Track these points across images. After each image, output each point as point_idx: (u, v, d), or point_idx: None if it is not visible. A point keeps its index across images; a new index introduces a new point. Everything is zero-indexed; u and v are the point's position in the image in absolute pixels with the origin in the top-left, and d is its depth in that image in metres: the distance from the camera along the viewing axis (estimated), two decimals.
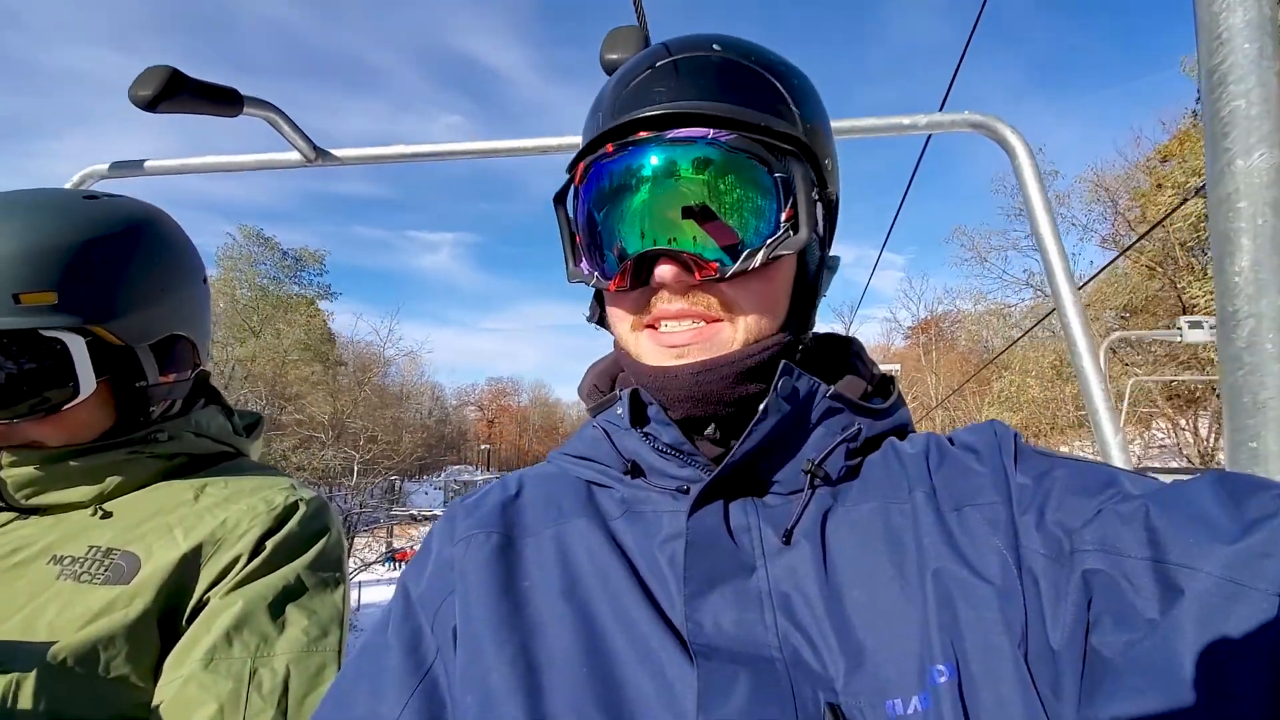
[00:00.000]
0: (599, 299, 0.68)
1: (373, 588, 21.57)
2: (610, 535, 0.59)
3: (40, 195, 0.85)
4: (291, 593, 0.81)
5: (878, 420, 0.62)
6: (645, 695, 0.49)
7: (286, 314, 27.14)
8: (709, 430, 0.60)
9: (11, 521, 0.81)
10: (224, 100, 1.18)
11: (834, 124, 1.22)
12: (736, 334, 0.58)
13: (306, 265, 29.42)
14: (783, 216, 0.57)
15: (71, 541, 0.79)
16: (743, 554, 0.54)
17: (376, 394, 29.84)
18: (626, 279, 0.58)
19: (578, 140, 0.71)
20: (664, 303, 0.58)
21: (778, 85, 0.60)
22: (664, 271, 0.56)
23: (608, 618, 0.53)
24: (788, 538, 0.54)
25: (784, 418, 0.57)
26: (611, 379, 0.72)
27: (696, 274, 0.56)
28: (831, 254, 0.68)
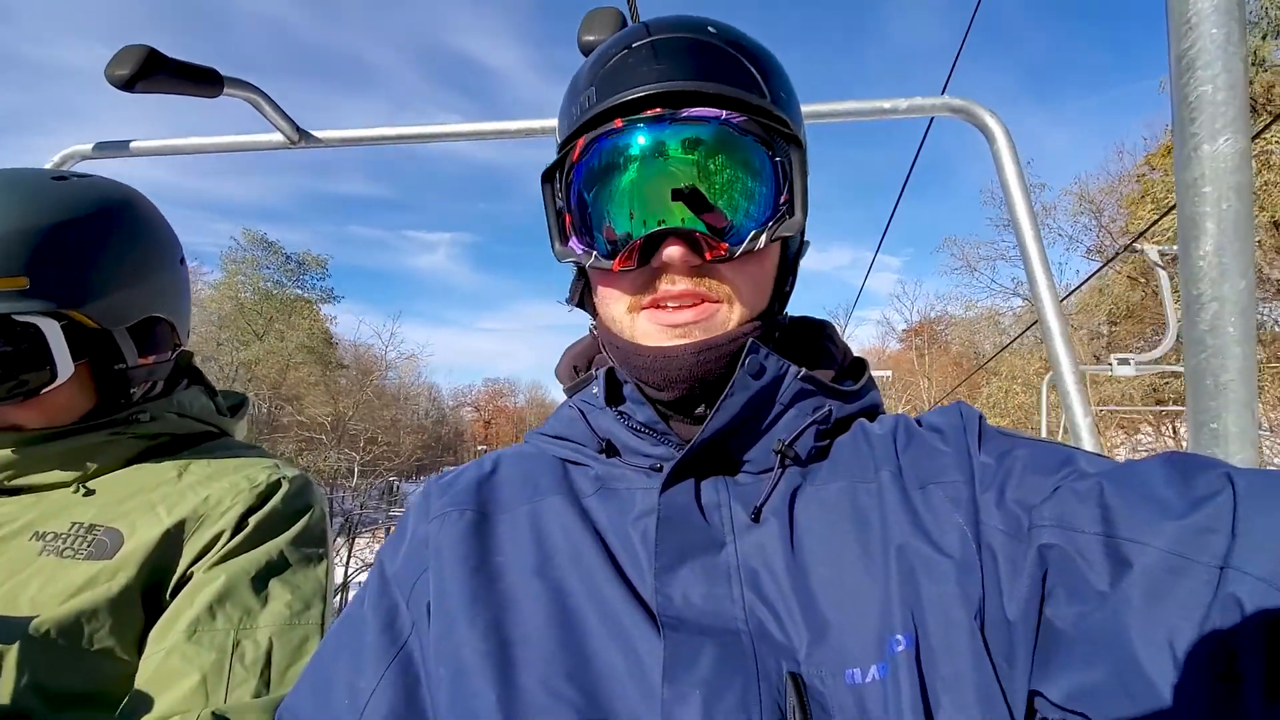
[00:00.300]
0: (581, 279, 0.67)
1: None
2: (584, 512, 0.60)
3: (8, 176, 0.84)
4: (274, 568, 0.82)
5: (848, 403, 0.63)
6: (615, 668, 0.50)
7: (290, 317, 27.37)
8: (699, 409, 0.60)
9: None
10: (204, 80, 1.17)
11: (815, 108, 1.24)
12: (732, 315, 0.59)
13: (309, 269, 29.70)
14: (780, 199, 0.59)
15: (54, 518, 0.80)
16: (713, 530, 0.55)
17: (377, 395, 29.99)
18: (634, 259, 0.57)
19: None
20: (668, 284, 0.57)
21: (771, 71, 0.61)
22: (673, 252, 0.55)
23: (579, 593, 0.54)
24: (757, 515, 0.55)
25: (753, 396, 0.57)
26: (588, 360, 0.72)
27: (707, 254, 0.56)
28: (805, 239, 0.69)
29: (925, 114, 1.15)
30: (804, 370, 0.60)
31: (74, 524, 0.79)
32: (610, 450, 0.63)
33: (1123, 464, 0.51)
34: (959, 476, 0.55)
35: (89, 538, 0.78)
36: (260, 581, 0.80)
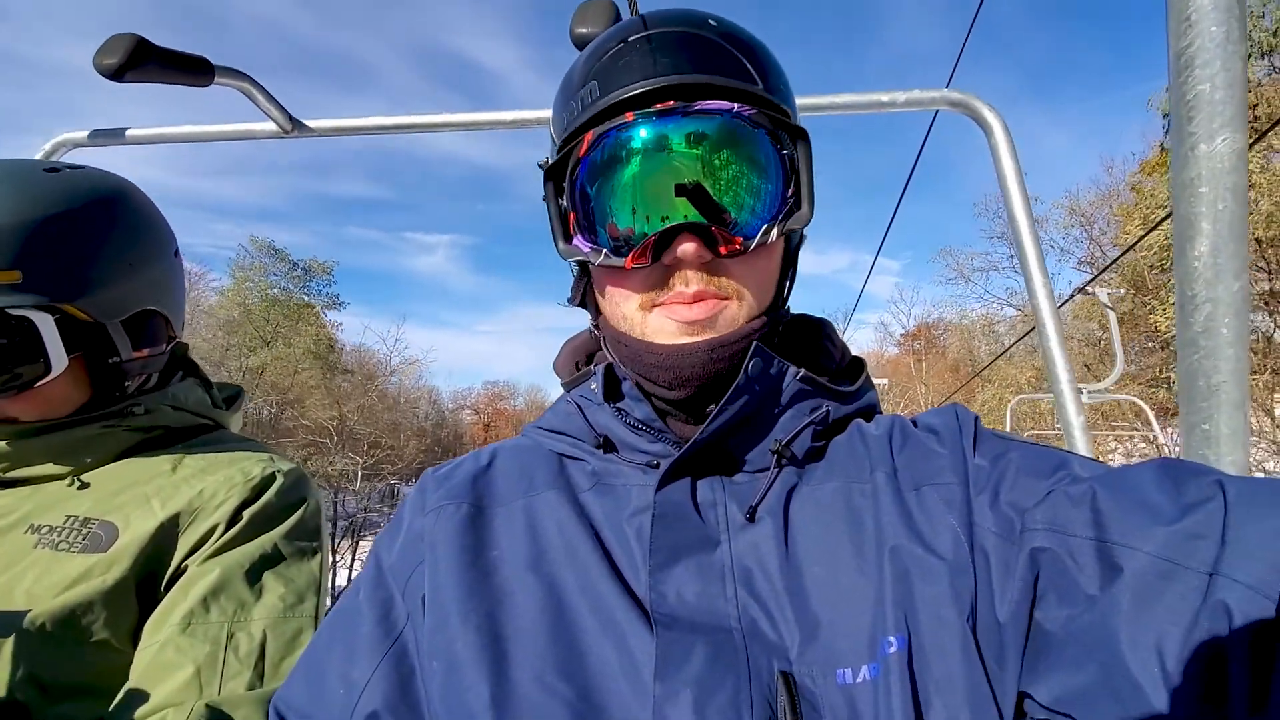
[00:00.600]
0: (584, 278, 0.66)
1: None
2: (579, 507, 0.60)
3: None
4: (269, 560, 0.82)
5: (845, 403, 0.63)
6: (607, 664, 0.51)
7: (297, 324, 27.78)
8: (710, 408, 0.60)
9: None
10: (194, 69, 1.15)
11: (813, 100, 1.22)
12: (740, 312, 0.58)
13: (315, 275, 30.24)
14: (789, 191, 0.58)
15: (49, 511, 0.80)
16: (708, 528, 0.55)
17: (379, 399, 30.33)
18: (647, 255, 0.56)
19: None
20: (681, 282, 0.57)
21: (769, 64, 0.61)
22: (688, 248, 0.55)
23: (573, 588, 0.55)
24: (752, 515, 0.55)
25: (752, 398, 0.57)
26: (588, 355, 0.72)
27: (722, 248, 0.55)
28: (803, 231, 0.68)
29: (924, 108, 1.14)
30: (803, 371, 0.60)
31: (69, 517, 0.79)
32: (607, 446, 0.63)
33: (1116, 469, 0.51)
34: (953, 478, 0.55)
35: (84, 531, 0.78)
36: (254, 574, 0.80)
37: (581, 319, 0.71)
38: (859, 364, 0.68)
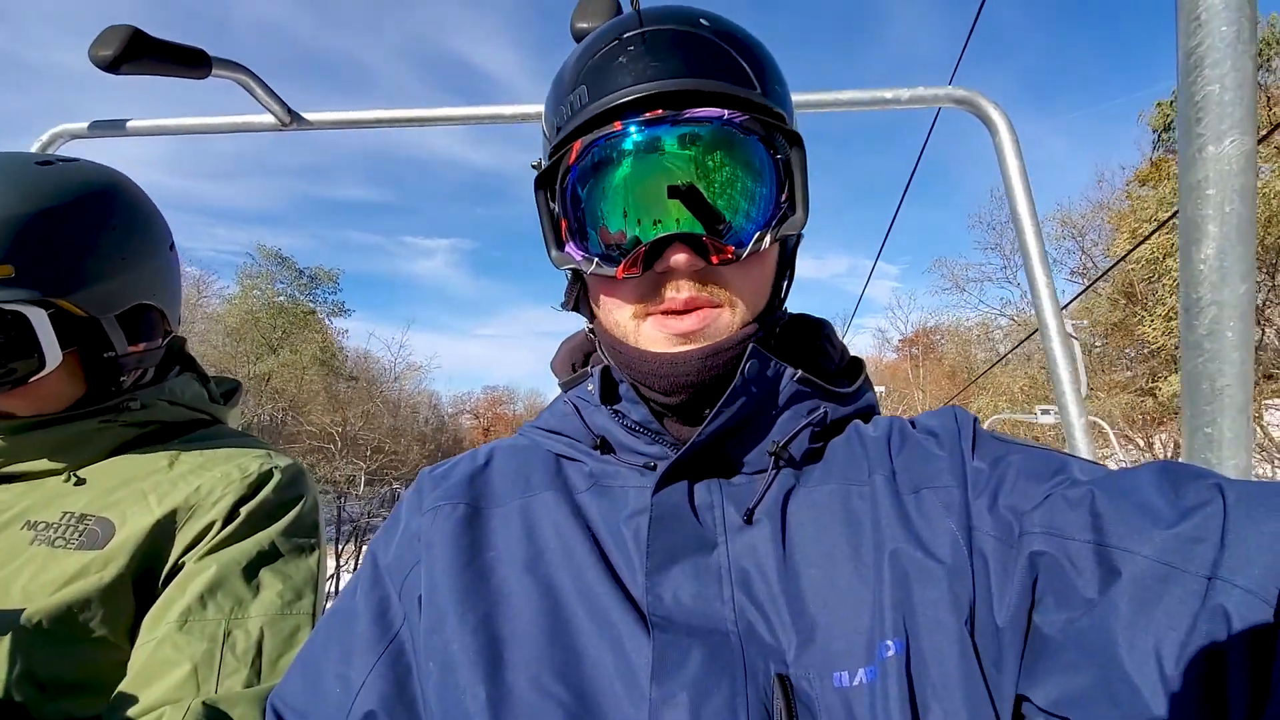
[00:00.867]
0: (577, 283, 0.65)
1: None
2: (576, 508, 0.60)
3: None
4: (266, 557, 0.82)
5: (843, 404, 0.62)
6: (603, 666, 0.50)
7: (303, 331, 28.23)
8: (707, 411, 0.59)
9: None
10: (191, 61, 1.14)
11: (817, 96, 1.21)
12: (734, 318, 0.58)
13: (322, 283, 30.81)
14: (782, 197, 0.58)
15: (45, 507, 0.80)
16: (705, 530, 0.55)
17: (385, 406, 30.70)
18: (638, 265, 0.55)
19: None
20: (673, 290, 0.56)
21: (765, 64, 0.60)
22: (680, 258, 0.54)
23: (570, 590, 0.54)
24: (749, 516, 0.55)
25: (749, 400, 0.57)
26: (585, 355, 0.72)
27: (713, 257, 0.55)
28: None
29: (928, 105, 1.13)
30: (800, 372, 0.59)
31: (65, 513, 0.79)
32: (604, 447, 0.63)
33: (1115, 472, 0.51)
34: (952, 481, 0.55)
35: (80, 527, 0.78)
36: (251, 571, 0.80)
37: (580, 320, 0.71)
38: (858, 364, 0.68)
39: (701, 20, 0.59)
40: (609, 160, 0.56)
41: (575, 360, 0.71)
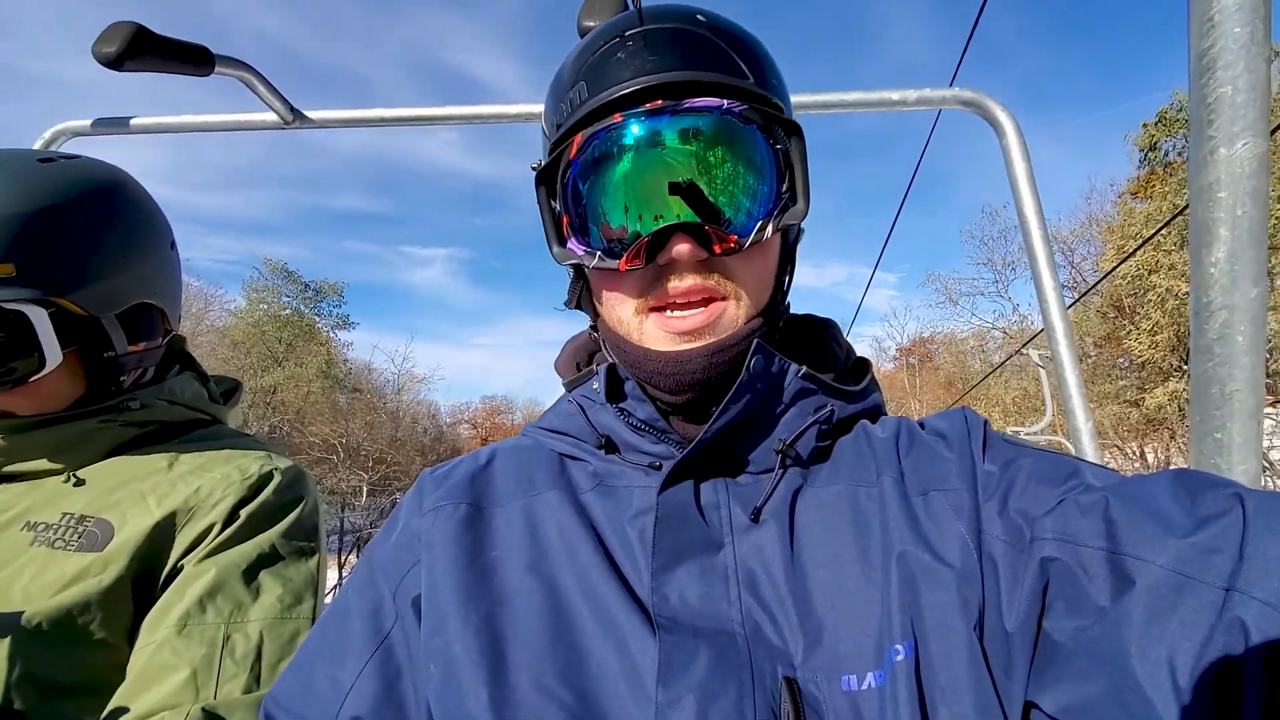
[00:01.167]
0: (580, 280, 0.65)
1: None
2: (580, 508, 0.59)
3: None
4: (265, 560, 0.81)
5: (850, 403, 0.62)
6: (608, 668, 0.50)
7: (308, 343, 28.59)
8: (714, 410, 0.59)
9: None
10: (194, 59, 1.14)
11: (823, 97, 1.21)
12: (739, 312, 0.57)
13: (326, 296, 31.23)
14: (783, 187, 0.57)
15: (45, 508, 0.79)
16: (711, 530, 0.54)
17: (389, 417, 30.92)
18: (641, 257, 0.55)
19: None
20: (676, 280, 0.56)
21: (761, 58, 0.60)
22: (682, 248, 0.54)
23: (574, 590, 0.54)
24: (756, 516, 0.55)
25: (754, 397, 0.57)
26: (589, 354, 0.71)
27: (716, 247, 0.54)
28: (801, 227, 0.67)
29: (934, 106, 1.13)
30: (805, 369, 0.59)
31: (64, 514, 0.78)
32: (609, 447, 0.62)
33: (1129, 478, 0.50)
34: (962, 484, 0.54)
35: (79, 529, 0.77)
36: (251, 575, 0.79)
37: (581, 322, 0.70)
38: (864, 364, 0.67)
39: (699, 17, 0.59)
40: (609, 154, 0.56)
41: (580, 360, 0.71)
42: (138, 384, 0.93)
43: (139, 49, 1.05)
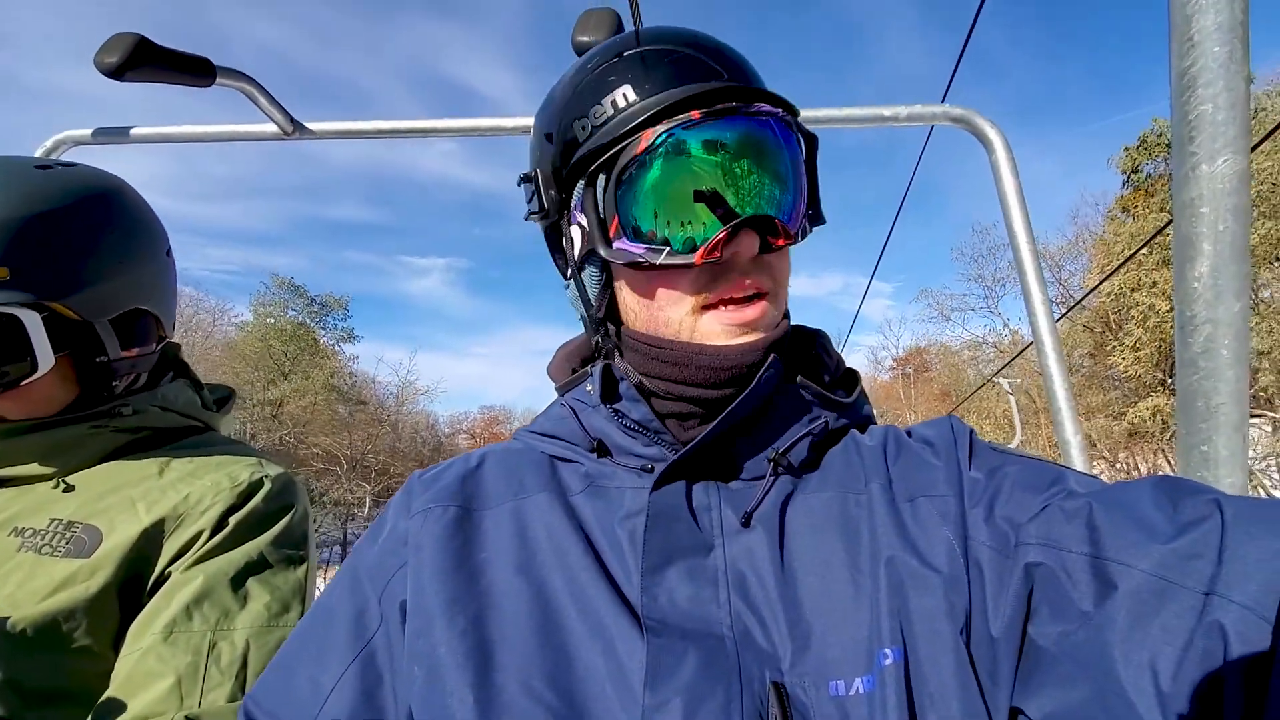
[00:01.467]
0: (608, 289, 0.63)
1: None
2: (570, 509, 0.59)
3: None
4: (253, 568, 0.80)
5: (842, 414, 0.62)
6: (595, 670, 0.50)
7: (313, 356, 29.10)
8: (703, 409, 0.60)
9: None
10: (196, 70, 1.15)
11: (815, 113, 1.23)
12: (777, 310, 0.60)
13: (331, 310, 31.84)
14: (812, 191, 0.62)
15: (33, 514, 0.79)
16: (702, 532, 0.54)
17: (392, 429, 31.17)
18: (719, 250, 0.55)
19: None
20: (739, 274, 0.57)
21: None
22: (751, 242, 0.55)
23: (562, 593, 0.54)
24: (747, 520, 0.55)
25: (759, 402, 0.57)
26: (583, 359, 0.71)
27: (779, 240, 0.57)
28: None
29: (924, 123, 1.15)
30: (812, 385, 0.60)
31: (53, 520, 0.78)
32: (601, 450, 0.62)
33: (1113, 485, 0.51)
34: (948, 491, 0.54)
35: (67, 535, 0.77)
36: (239, 582, 0.78)
37: (571, 332, 0.70)
38: (854, 375, 0.68)
39: (705, 36, 0.62)
40: (690, 149, 0.56)
41: (574, 364, 0.71)
42: (130, 390, 0.92)
43: (141, 60, 1.06)
